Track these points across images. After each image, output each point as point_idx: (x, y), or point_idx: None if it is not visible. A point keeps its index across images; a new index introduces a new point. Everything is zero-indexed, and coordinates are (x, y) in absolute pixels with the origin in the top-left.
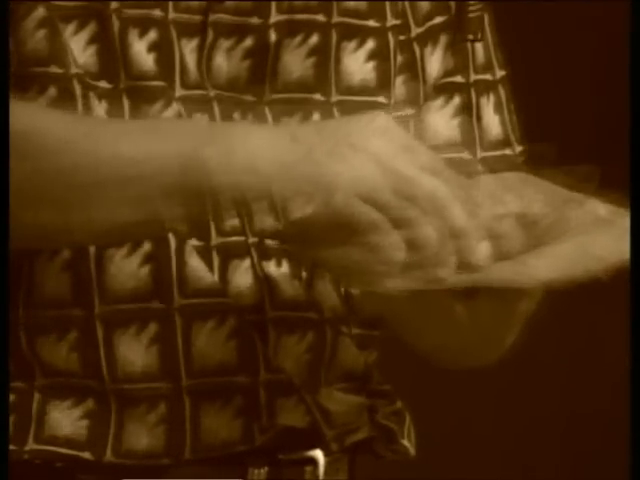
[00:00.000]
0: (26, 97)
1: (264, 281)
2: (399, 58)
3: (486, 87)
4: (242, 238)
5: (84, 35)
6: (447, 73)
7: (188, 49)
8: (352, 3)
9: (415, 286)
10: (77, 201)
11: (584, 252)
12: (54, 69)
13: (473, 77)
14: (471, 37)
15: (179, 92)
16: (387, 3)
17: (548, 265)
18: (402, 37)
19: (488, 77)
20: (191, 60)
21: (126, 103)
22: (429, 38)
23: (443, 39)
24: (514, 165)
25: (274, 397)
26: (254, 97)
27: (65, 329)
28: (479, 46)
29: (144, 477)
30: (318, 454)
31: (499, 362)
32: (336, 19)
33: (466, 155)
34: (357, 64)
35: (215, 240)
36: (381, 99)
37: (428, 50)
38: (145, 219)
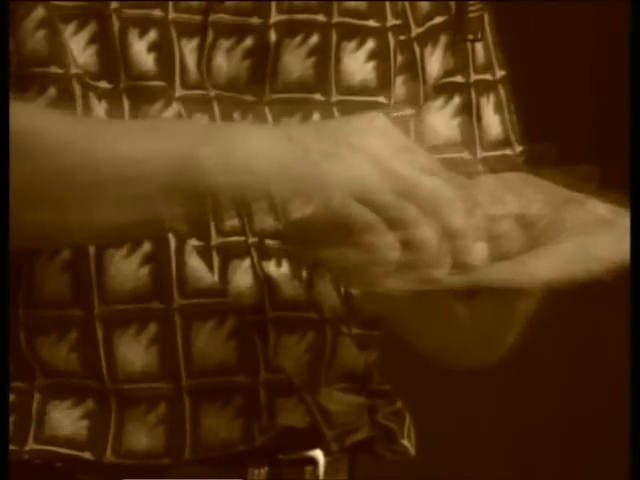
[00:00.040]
0: (26, 97)
1: (264, 281)
2: (399, 58)
3: (486, 87)
4: (242, 238)
5: (84, 35)
6: (447, 73)
7: (188, 49)
8: (352, 3)
9: (411, 286)
10: (77, 201)
11: (584, 252)
12: (54, 69)
13: (473, 77)
14: (471, 37)
15: (179, 92)
16: (387, 3)
17: (548, 265)
18: (402, 37)
19: (488, 77)
20: (191, 60)
21: (126, 103)
22: (429, 38)
23: (443, 39)
24: (514, 165)
25: (274, 397)
26: (254, 97)
27: (65, 329)
28: (479, 46)
29: (144, 477)
30: (318, 454)
31: (500, 362)
32: (336, 19)
33: (466, 155)
34: (357, 64)
35: (215, 240)
36: (381, 99)
37: (428, 50)
38: (145, 219)
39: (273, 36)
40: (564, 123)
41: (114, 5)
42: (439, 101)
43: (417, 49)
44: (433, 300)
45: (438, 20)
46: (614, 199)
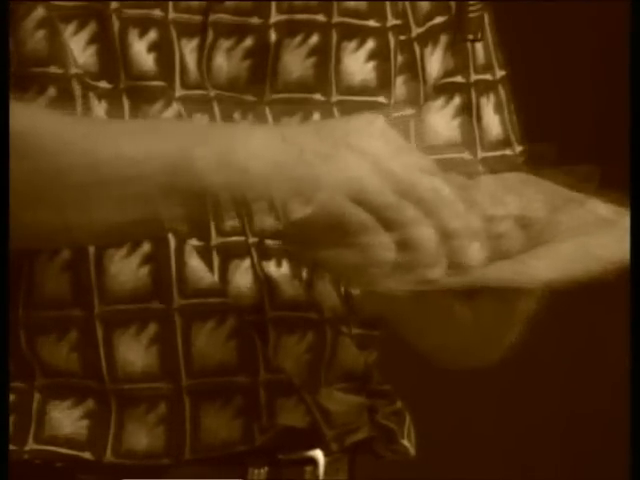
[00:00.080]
0: (25, 97)
1: (264, 281)
2: (399, 58)
3: (486, 87)
4: (242, 238)
5: (84, 35)
6: (447, 73)
7: (188, 49)
8: (352, 3)
9: (407, 287)
10: (76, 201)
11: (585, 252)
12: (53, 69)
13: (473, 77)
14: (471, 37)
15: (179, 92)
16: (387, 3)
17: (548, 265)
18: (402, 37)
19: (488, 77)
20: (191, 60)
21: (126, 103)
22: (429, 38)
23: (443, 39)
24: (514, 165)
25: (274, 397)
26: (254, 97)
27: (65, 329)
28: (479, 46)
29: (144, 477)
30: (318, 454)
31: (499, 362)
32: (336, 19)
33: (467, 155)
34: (357, 64)
35: (215, 240)
36: (381, 99)
37: (428, 50)
38: (144, 219)
39: (273, 36)
40: (564, 123)
41: (114, 5)
42: (439, 101)
43: (417, 49)
44: (433, 300)
45: (438, 20)
46: (614, 199)
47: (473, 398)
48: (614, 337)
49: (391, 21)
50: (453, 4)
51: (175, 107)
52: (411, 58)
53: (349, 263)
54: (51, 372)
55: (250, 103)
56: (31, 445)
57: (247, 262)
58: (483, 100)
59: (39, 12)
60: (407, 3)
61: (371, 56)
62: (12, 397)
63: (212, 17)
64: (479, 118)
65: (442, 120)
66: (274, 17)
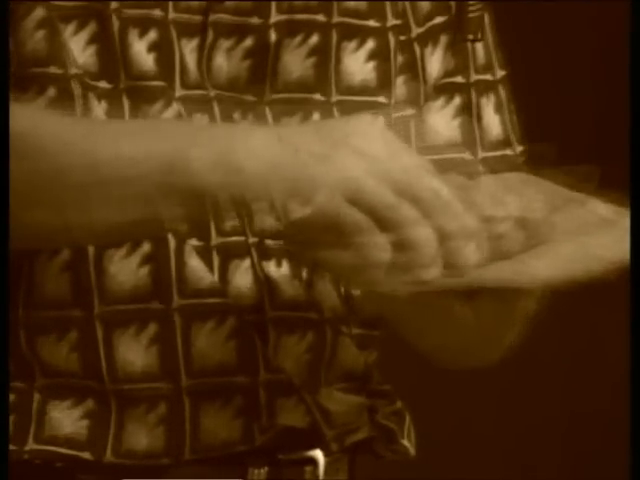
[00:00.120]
0: (25, 98)
1: (264, 281)
2: (399, 58)
3: (486, 87)
4: (242, 238)
5: (84, 35)
6: (447, 73)
7: (188, 49)
8: (352, 3)
9: (403, 287)
10: (75, 201)
11: (585, 252)
12: (53, 69)
13: (473, 77)
14: (471, 37)
15: (179, 92)
16: (387, 3)
17: (548, 265)
18: (402, 37)
19: (488, 77)
20: (191, 60)
21: (126, 103)
22: (429, 38)
23: (443, 39)
24: (515, 165)
25: (274, 397)
26: (254, 97)
27: (65, 329)
28: (479, 46)
29: (144, 477)
30: (318, 454)
31: (499, 362)
32: (336, 19)
33: (467, 155)
34: (357, 64)
35: (215, 240)
36: (381, 99)
37: (428, 50)
38: (144, 219)
39: (273, 36)
40: (564, 123)
41: (114, 5)
42: (439, 101)
43: (417, 49)
44: (433, 300)
45: (438, 20)
46: (614, 199)
47: (473, 398)
48: (614, 337)
49: (391, 21)
50: (453, 4)
51: (175, 107)
52: (411, 58)
53: (347, 263)
54: (51, 372)
55: (250, 103)
56: (31, 445)
57: (247, 262)
58: (483, 100)
59: (39, 12)
60: (407, 3)
61: (371, 56)
62: (12, 397)
63: (212, 17)
64: (479, 118)
65: (442, 120)
66: (274, 17)
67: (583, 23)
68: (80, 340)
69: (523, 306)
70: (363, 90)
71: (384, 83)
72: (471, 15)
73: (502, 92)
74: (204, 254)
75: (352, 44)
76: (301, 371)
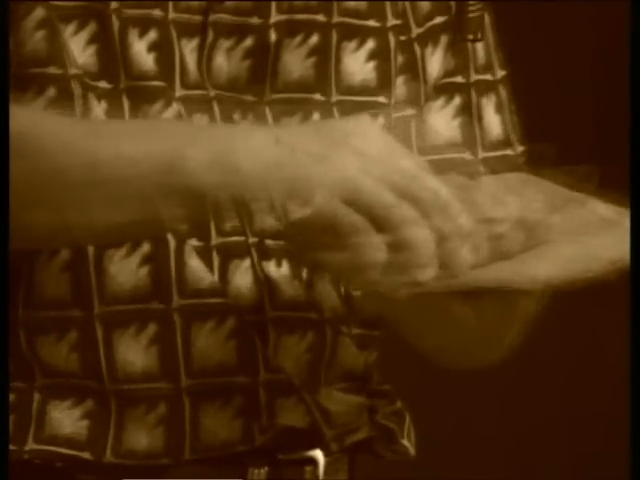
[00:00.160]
0: (25, 98)
1: (264, 281)
2: (399, 58)
3: (487, 87)
4: (242, 238)
5: (84, 35)
6: (447, 73)
7: (188, 49)
8: (352, 3)
9: (400, 288)
10: (75, 201)
11: (585, 252)
12: (53, 70)
13: (474, 77)
14: (471, 37)
15: (179, 92)
16: (387, 3)
17: (549, 265)
18: (402, 37)
19: (489, 77)
20: (191, 60)
21: (126, 103)
22: (429, 38)
23: (444, 39)
24: (515, 165)
25: (274, 397)
26: (254, 97)
27: (65, 329)
28: (479, 46)
29: (144, 477)
30: (318, 454)
31: (500, 362)
32: (336, 19)
33: (467, 155)
34: (357, 64)
35: (215, 240)
36: (381, 99)
37: (429, 50)
38: (143, 219)
39: (273, 36)
40: (564, 123)
41: (114, 5)
42: (440, 101)
43: (417, 49)
44: (433, 300)
45: (438, 20)
46: (614, 199)
47: (473, 398)
48: (615, 337)
49: (391, 21)
50: (453, 4)
51: (175, 107)
52: (411, 58)
53: (345, 264)
54: (51, 372)
55: (250, 103)
56: (31, 445)
57: (247, 262)
58: (484, 100)
59: (39, 12)
60: (407, 3)
61: (371, 56)
62: (12, 397)
63: (212, 17)
64: (480, 118)
65: (442, 120)
66: (274, 17)
67: (583, 23)
68: (80, 340)
69: (523, 306)
70: (363, 90)
71: (384, 83)
72: (471, 15)
73: (502, 92)
74: (204, 254)
75: (352, 44)
76: (301, 371)
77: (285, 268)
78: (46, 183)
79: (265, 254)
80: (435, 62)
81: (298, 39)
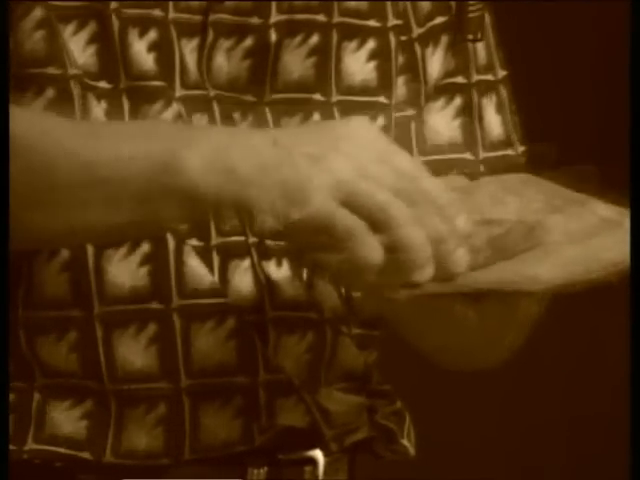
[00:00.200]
0: (24, 98)
1: (264, 281)
2: (400, 58)
3: (487, 87)
4: (242, 238)
5: (84, 35)
6: (448, 74)
7: (188, 49)
8: (353, 3)
9: (398, 290)
10: (75, 202)
11: (587, 253)
12: (52, 70)
13: (474, 77)
14: (471, 37)
15: (179, 92)
16: (388, 3)
17: (550, 266)
18: (403, 37)
19: (489, 77)
20: (191, 60)
21: (126, 103)
22: (430, 38)
23: (444, 39)
24: (516, 165)
25: (274, 397)
26: (254, 97)
27: (64, 329)
28: (480, 46)
29: (144, 477)
30: (318, 454)
31: (500, 363)
32: (337, 19)
33: (468, 156)
34: (358, 64)
35: (215, 240)
36: (382, 99)
37: (429, 51)
38: (142, 220)
39: (273, 36)
40: (564, 123)
41: (114, 5)
42: (440, 102)
43: (418, 49)
44: (433, 301)
45: (439, 20)
46: (614, 199)
47: (473, 398)
48: (615, 339)
49: (392, 21)
50: (453, 4)
51: (175, 107)
52: (412, 58)
53: (342, 266)
54: (51, 372)
55: (250, 103)
56: (31, 445)
57: (247, 262)
58: (484, 100)
59: (38, 12)
60: (408, 3)
61: (372, 56)
62: (12, 397)
63: (212, 17)
64: (480, 118)
65: (443, 120)
66: (274, 17)
67: (583, 23)
68: (80, 340)
69: (524, 307)
70: (364, 90)
71: (385, 83)
72: (471, 15)
73: (503, 92)
74: (204, 254)
75: (353, 44)
76: (301, 371)
77: (285, 268)
78: (45, 183)
79: (265, 254)
80: (436, 62)
81: (298, 39)
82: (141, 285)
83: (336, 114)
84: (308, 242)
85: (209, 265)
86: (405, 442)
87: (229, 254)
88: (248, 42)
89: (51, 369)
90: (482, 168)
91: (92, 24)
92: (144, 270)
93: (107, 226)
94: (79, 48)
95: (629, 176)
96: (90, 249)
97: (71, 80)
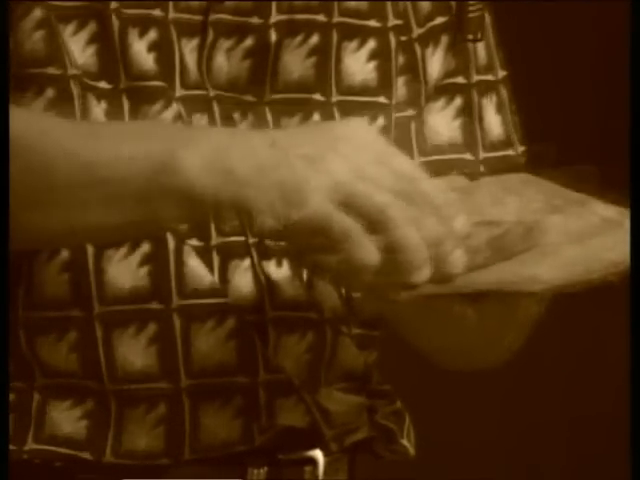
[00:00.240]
0: (24, 98)
1: (264, 281)
2: (400, 58)
3: (487, 88)
4: (242, 238)
5: (84, 35)
6: (448, 74)
7: (188, 49)
8: (353, 3)
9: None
10: (75, 202)
11: (587, 253)
12: (52, 70)
13: (475, 78)
14: (471, 37)
15: (179, 92)
16: (388, 3)
17: (550, 267)
18: (403, 37)
19: (490, 77)
20: (191, 60)
21: (126, 103)
22: (430, 39)
23: (444, 40)
24: (516, 165)
25: (274, 397)
26: (254, 97)
27: (64, 329)
28: (480, 46)
29: (144, 477)
30: (318, 454)
31: (500, 363)
32: (337, 19)
33: (468, 156)
34: (358, 64)
35: (215, 240)
36: (382, 99)
37: (429, 51)
38: (141, 219)
39: (273, 36)
40: (564, 123)
41: (114, 5)
42: (440, 102)
43: (418, 50)
44: (434, 301)
45: (439, 21)
46: (614, 199)
47: (473, 398)
48: (616, 339)
49: (392, 21)
50: (453, 4)
51: (175, 107)
52: (412, 59)
53: (341, 267)
54: (51, 372)
55: (250, 103)
56: (30, 445)
57: (247, 262)
58: (484, 100)
59: (38, 12)
60: (408, 3)
61: (372, 56)
62: (12, 397)
63: (212, 17)
64: (480, 119)
65: (443, 121)
66: (274, 17)
67: (583, 23)
68: (80, 340)
69: (524, 308)
70: (364, 90)
71: (385, 83)
72: (471, 15)
73: (503, 92)
74: (204, 254)
75: (353, 44)
76: (301, 371)
77: (285, 268)
78: (44, 184)
79: (265, 254)
80: (436, 62)
81: (298, 39)
82: (141, 285)
83: (336, 114)
84: (307, 243)
85: (209, 265)
86: (405, 442)
87: (229, 254)
88: (248, 42)
89: (51, 369)
90: (482, 168)
91: (92, 24)
92: (144, 270)
93: (107, 226)
94: (79, 48)
95: (629, 176)
96: (90, 249)
97: (71, 80)
